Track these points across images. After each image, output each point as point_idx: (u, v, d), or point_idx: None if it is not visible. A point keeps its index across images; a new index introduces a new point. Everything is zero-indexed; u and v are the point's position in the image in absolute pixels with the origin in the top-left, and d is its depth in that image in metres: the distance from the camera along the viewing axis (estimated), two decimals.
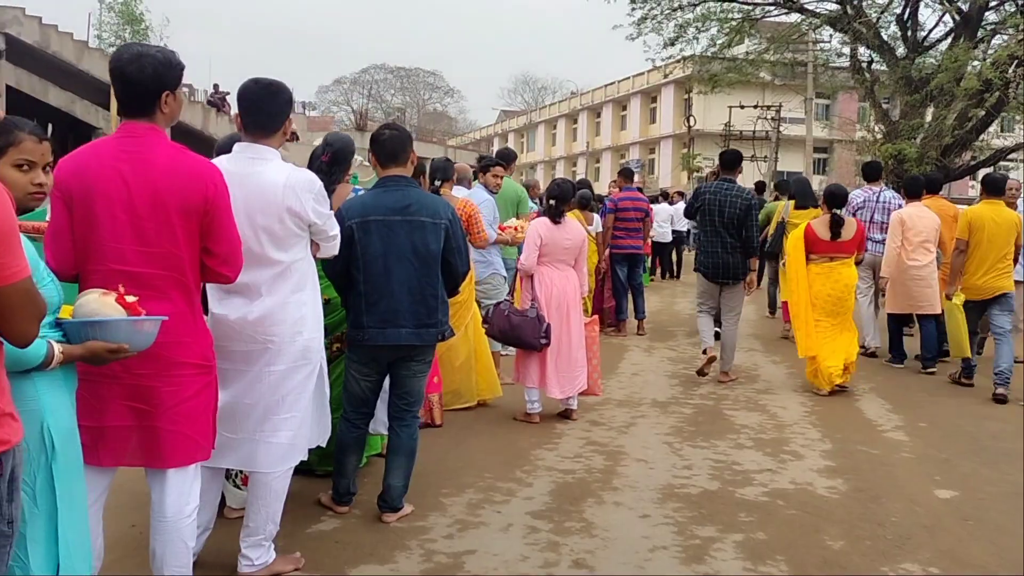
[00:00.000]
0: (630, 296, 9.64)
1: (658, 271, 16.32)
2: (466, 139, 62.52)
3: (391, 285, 3.61)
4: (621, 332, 9.43)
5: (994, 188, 7.16)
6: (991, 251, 6.80)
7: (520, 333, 5.43)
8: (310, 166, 3.73)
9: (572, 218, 6.03)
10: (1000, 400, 6.50)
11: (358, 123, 28.91)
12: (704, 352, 7.07)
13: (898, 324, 8.01)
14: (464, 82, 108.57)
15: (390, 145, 3.73)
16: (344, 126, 32.18)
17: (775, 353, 8.58)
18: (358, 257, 3.60)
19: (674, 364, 7.95)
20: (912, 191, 7.95)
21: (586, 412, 5.86)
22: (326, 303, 3.52)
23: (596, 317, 6.52)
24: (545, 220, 5.61)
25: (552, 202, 5.59)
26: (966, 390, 6.89)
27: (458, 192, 6.32)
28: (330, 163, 3.94)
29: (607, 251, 9.33)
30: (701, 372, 7.11)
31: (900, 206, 8.23)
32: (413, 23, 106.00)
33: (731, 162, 7.16)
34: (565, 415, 5.73)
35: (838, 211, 6.86)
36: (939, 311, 7.42)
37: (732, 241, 6.85)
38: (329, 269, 3.64)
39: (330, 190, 3.54)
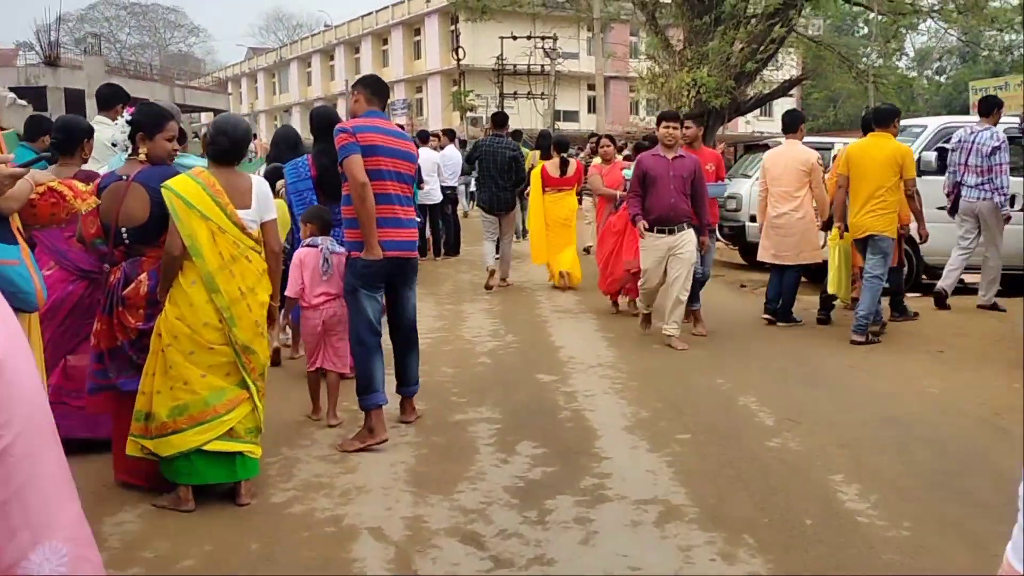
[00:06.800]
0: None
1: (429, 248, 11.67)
2: (211, 80, 55.84)
3: None
4: None
5: (881, 118, 6.63)
6: (863, 187, 6.50)
7: None
8: None
9: None
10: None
11: (48, 57, 23.09)
12: (487, 269, 9.09)
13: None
14: (210, 20, 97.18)
15: None
16: (29, 62, 25.82)
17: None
18: None
19: None
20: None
21: None
22: None
23: None
24: None
25: None
26: None
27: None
28: None
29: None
30: (487, 286, 8.99)
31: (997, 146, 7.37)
32: None
33: (501, 121, 9.37)
34: None
35: (564, 154, 9.18)
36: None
37: (503, 183, 8.97)
38: None
39: None
